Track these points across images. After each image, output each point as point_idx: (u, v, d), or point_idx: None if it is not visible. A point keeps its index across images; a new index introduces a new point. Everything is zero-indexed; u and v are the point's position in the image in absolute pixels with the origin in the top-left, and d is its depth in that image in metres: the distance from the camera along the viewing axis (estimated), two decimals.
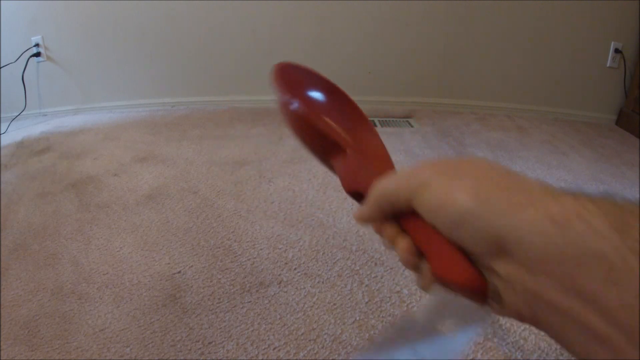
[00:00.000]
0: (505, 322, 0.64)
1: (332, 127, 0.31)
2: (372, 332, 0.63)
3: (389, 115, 1.78)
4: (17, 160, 1.40)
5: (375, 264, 0.78)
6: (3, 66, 1.88)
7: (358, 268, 0.77)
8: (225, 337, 0.63)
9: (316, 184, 1.09)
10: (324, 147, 0.30)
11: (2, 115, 1.94)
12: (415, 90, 1.90)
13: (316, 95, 0.35)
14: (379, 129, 1.58)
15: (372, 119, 1.71)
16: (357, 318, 0.66)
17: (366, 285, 0.72)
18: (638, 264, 0.14)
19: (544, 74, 1.82)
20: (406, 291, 0.71)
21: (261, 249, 0.83)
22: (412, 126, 1.64)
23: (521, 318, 0.18)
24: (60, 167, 1.30)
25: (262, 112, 1.83)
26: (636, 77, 1.72)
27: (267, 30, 1.84)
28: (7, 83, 1.93)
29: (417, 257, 0.22)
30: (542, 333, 0.66)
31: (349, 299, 0.70)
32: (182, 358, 0.60)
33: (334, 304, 0.69)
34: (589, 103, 1.84)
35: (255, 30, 1.84)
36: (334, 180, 1.10)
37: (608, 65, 1.77)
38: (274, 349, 0.60)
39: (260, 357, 0.59)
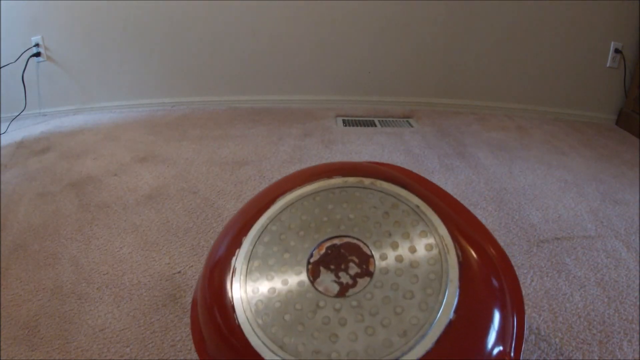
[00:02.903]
0: None
1: None
2: None
3: (388, 115, 1.78)
4: (17, 160, 1.40)
5: None
6: (3, 66, 1.88)
7: None
8: None
9: None
10: None
11: (2, 115, 1.94)
12: (415, 90, 1.90)
13: None
14: (378, 129, 1.58)
15: (372, 118, 1.71)
16: None
17: None
18: None
19: (544, 74, 1.82)
20: None
21: None
22: (412, 126, 1.64)
23: None
24: (60, 167, 1.30)
25: (262, 112, 1.83)
26: (636, 77, 1.72)
27: (267, 30, 1.84)
28: (7, 83, 1.93)
29: None
30: (542, 333, 0.65)
31: None
32: (182, 358, 0.59)
33: None
34: (589, 103, 1.84)
35: (255, 31, 1.84)
36: None
37: (608, 65, 1.77)
38: None
39: None
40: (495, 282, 0.31)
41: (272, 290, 0.31)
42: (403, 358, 0.26)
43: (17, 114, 1.92)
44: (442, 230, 0.31)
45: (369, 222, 0.32)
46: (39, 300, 0.72)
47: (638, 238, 0.88)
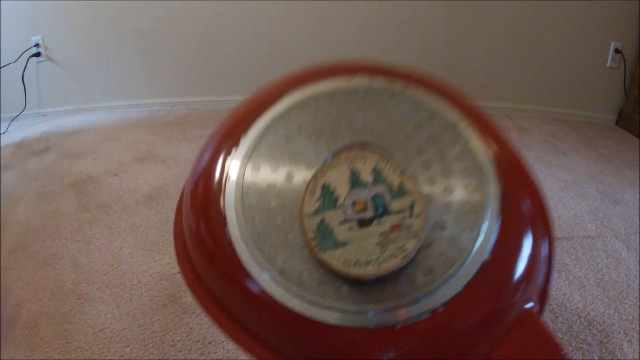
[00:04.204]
0: None
1: None
2: None
3: None
4: (17, 160, 1.40)
5: None
6: (3, 66, 1.88)
7: None
8: (225, 337, 0.63)
9: None
10: None
11: (2, 115, 1.94)
12: None
13: None
14: None
15: None
16: None
17: None
18: None
19: (544, 74, 1.82)
20: None
21: None
22: None
23: None
24: (60, 167, 1.30)
25: None
26: (636, 77, 1.72)
27: (267, 30, 1.84)
28: (7, 83, 1.93)
29: None
30: None
31: None
32: (182, 358, 0.60)
33: None
34: (589, 103, 1.84)
35: (255, 31, 1.84)
36: None
37: (608, 65, 1.77)
38: None
39: None
40: (532, 230, 0.26)
41: (271, 206, 0.26)
42: (427, 300, 0.22)
43: (17, 114, 1.92)
44: (483, 155, 0.25)
45: (396, 133, 0.26)
46: (39, 300, 0.72)
47: (638, 238, 0.88)
